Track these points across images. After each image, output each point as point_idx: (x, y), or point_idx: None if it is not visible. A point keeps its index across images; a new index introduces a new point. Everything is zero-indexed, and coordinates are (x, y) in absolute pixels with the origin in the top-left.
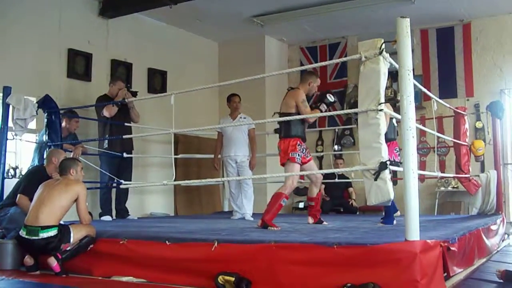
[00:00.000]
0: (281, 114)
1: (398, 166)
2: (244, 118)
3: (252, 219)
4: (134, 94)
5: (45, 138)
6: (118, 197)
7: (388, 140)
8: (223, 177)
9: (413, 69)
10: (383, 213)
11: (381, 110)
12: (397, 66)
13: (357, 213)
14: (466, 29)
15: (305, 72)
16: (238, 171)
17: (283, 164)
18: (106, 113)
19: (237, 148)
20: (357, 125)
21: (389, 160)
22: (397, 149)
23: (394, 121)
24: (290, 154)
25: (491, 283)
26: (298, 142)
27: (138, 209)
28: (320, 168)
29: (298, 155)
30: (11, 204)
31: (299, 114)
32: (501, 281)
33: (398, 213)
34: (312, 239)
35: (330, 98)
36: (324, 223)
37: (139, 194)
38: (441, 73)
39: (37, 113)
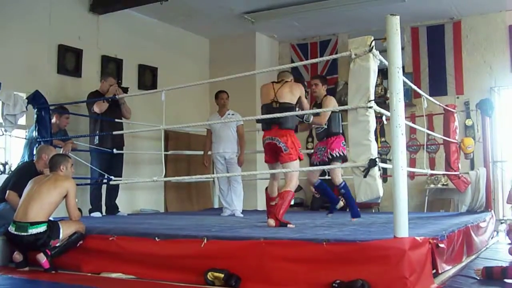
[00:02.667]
0: (281, 104)
1: (346, 159)
2: (233, 114)
3: (242, 215)
4: (125, 90)
5: (35, 134)
6: (108, 193)
7: (334, 134)
8: (213, 174)
9: (404, 67)
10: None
11: (370, 107)
12: (387, 63)
13: (347, 209)
14: (457, 27)
15: (284, 71)
16: (227, 168)
17: (286, 160)
18: (96, 109)
19: (226, 145)
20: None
21: (340, 153)
22: (344, 143)
23: (339, 114)
24: (300, 151)
25: (480, 280)
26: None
27: (128, 206)
28: (311, 165)
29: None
30: (0, 200)
31: (297, 107)
32: (482, 279)
33: (341, 203)
34: (302, 236)
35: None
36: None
37: (129, 190)
38: (432, 71)
39: (27, 109)
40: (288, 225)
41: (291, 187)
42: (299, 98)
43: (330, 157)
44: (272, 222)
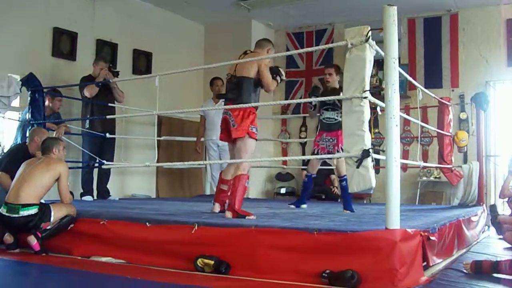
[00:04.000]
0: (238, 78)
1: None
2: None
3: None
4: (116, 74)
5: (28, 116)
6: (100, 177)
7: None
8: (205, 160)
9: (399, 58)
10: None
11: (365, 97)
12: (383, 54)
13: (339, 200)
14: (454, 20)
15: (263, 39)
16: (220, 155)
17: (236, 139)
18: (86, 93)
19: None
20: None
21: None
22: None
23: None
24: (250, 129)
25: (470, 274)
26: (254, 114)
27: (119, 190)
28: (303, 154)
29: (257, 130)
30: None
31: (257, 80)
32: (470, 273)
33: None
34: (293, 225)
35: (282, 74)
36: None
37: (121, 175)
38: (427, 63)
39: (20, 91)
40: (247, 217)
41: (242, 170)
42: (259, 70)
43: (340, 150)
44: (229, 214)
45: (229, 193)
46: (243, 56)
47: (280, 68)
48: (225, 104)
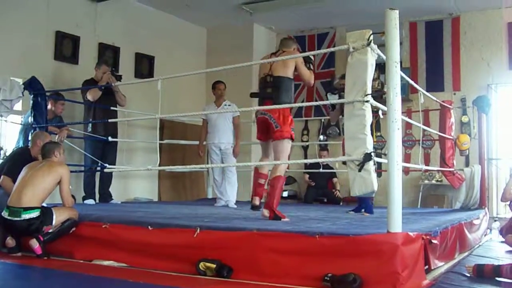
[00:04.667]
0: (275, 78)
1: None
2: (229, 105)
3: (235, 206)
4: (119, 78)
5: (30, 120)
6: (102, 181)
7: None
8: (207, 164)
9: (401, 62)
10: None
11: (367, 101)
12: (384, 57)
13: (341, 203)
14: (455, 23)
15: (287, 38)
16: (222, 158)
17: (277, 138)
18: (89, 96)
19: (221, 135)
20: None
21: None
22: None
23: None
24: (291, 130)
25: (472, 277)
26: (290, 111)
27: (122, 194)
28: (305, 158)
29: (293, 130)
30: None
31: (292, 80)
32: (472, 276)
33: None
34: (295, 228)
35: (311, 57)
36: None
37: (123, 178)
38: (429, 66)
39: (23, 95)
40: (282, 219)
41: (280, 171)
42: (296, 67)
43: None
44: (266, 212)
45: (265, 188)
46: (273, 56)
47: (310, 56)
48: (261, 104)
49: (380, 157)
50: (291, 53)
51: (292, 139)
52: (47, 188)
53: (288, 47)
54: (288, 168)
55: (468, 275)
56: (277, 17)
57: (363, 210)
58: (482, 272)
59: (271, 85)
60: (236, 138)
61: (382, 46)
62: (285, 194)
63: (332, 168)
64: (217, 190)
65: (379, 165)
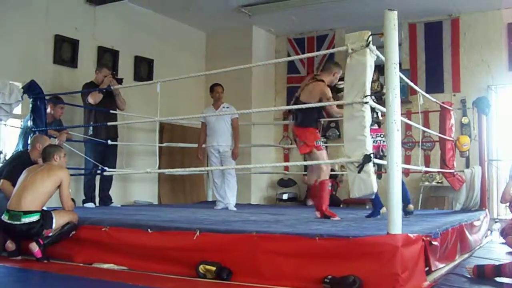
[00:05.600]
0: (300, 102)
1: None
2: (227, 107)
3: (235, 209)
4: (120, 81)
5: (30, 123)
6: (102, 184)
7: None
8: (207, 167)
9: (401, 63)
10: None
11: (366, 102)
12: (383, 59)
13: (341, 205)
14: (455, 24)
15: (331, 62)
16: (221, 161)
17: (306, 153)
18: (90, 100)
19: (220, 138)
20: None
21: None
22: None
23: None
24: (316, 143)
25: (472, 278)
26: (317, 131)
27: (122, 197)
28: (305, 160)
29: (321, 141)
30: None
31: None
32: (473, 277)
33: (384, 209)
34: (294, 230)
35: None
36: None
37: (123, 181)
38: (429, 68)
39: (22, 99)
40: (331, 218)
41: (323, 176)
42: (321, 99)
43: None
44: (317, 214)
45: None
46: (309, 82)
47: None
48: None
49: (381, 158)
50: (322, 84)
51: (320, 149)
52: (47, 192)
53: (326, 71)
54: (288, 170)
55: (469, 276)
56: (276, 19)
57: (381, 210)
58: (483, 273)
59: (295, 108)
60: (235, 140)
61: (381, 47)
62: (285, 196)
63: (332, 170)
64: (217, 193)
65: (378, 167)
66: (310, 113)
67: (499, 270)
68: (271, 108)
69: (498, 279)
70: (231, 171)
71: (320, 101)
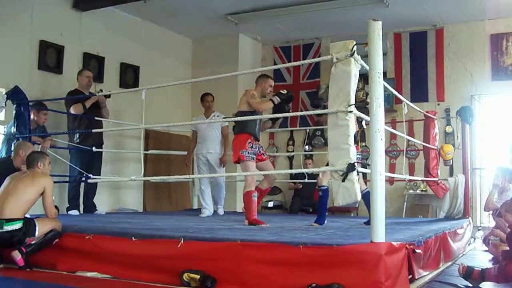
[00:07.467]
0: (237, 113)
1: None
2: (218, 116)
3: (222, 213)
4: (108, 96)
5: (13, 130)
6: (86, 192)
7: None
8: (193, 174)
9: (386, 72)
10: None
11: (351, 111)
12: (368, 68)
13: (327, 214)
14: (439, 34)
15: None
16: (210, 168)
17: (235, 162)
18: (72, 111)
19: (210, 145)
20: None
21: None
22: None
23: None
24: (240, 152)
25: (456, 286)
26: (249, 140)
27: (107, 204)
28: (290, 168)
29: (248, 153)
30: None
31: (254, 111)
32: (461, 276)
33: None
34: (278, 239)
35: (283, 91)
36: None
37: (109, 189)
38: (413, 77)
39: (6, 105)
40: (259, 225)
41: (247, 187)
42: (248, 102)
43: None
44: (246, 222)
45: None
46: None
47: (282, 90)
48: None
49: (366, 167)
50: (247, 90)
51: (244, 160)
52: (30, 199)
53: (256, 84)
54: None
55: (459, 273)
56: (263, 27)
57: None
58: (471, 274)
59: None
60: (224, 148)
61: (366, 57)
62: (270, 204)
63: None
64: (203, 200)
65: (364, 175)
66: (242, 121)
67: (484, 272)
68: (256, 116)
69: (483, 283)
70: (221, 177)
71: (248, 105)
